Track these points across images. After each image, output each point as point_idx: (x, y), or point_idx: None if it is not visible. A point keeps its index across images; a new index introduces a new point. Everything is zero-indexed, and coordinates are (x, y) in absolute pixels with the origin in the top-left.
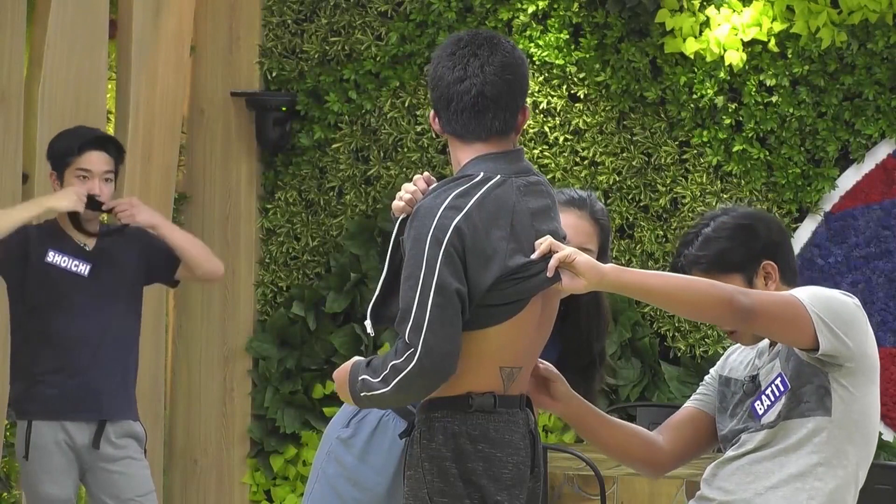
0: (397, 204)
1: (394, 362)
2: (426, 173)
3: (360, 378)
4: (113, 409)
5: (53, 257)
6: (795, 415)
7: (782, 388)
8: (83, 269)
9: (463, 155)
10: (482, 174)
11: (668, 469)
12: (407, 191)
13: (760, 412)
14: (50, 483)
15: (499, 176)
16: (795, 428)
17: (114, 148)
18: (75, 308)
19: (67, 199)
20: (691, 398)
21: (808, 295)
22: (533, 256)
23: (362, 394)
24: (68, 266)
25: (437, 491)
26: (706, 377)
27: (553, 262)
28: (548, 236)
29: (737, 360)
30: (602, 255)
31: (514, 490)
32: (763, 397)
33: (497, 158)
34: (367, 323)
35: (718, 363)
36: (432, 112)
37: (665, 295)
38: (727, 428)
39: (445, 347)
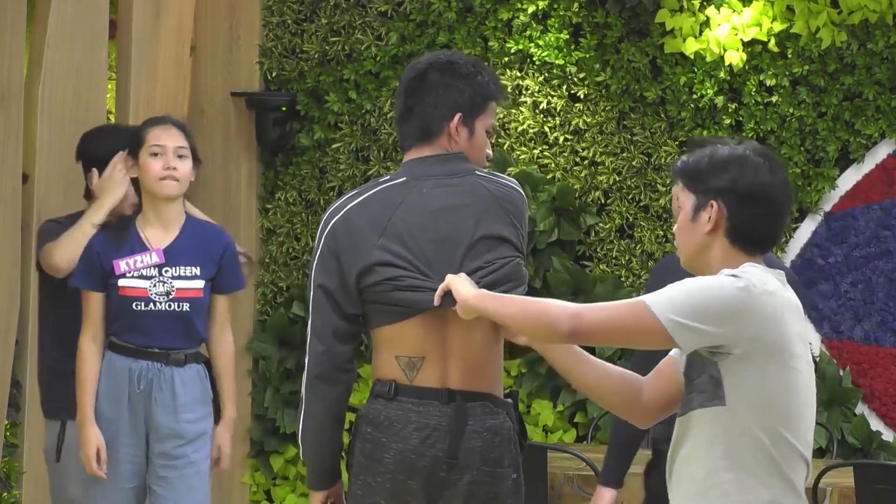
0: None
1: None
2: None
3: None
4: None
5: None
6: (696, 405)
7: (683, 379)
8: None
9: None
10: (389, 176)
11: (655, 419)
12: None
13: None
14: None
15: (403, 178)
16: (699, 419)
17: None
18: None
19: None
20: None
21: (663, 296)
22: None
23: (299, 421)
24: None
25: (348, 464)
26: None
27: (438, 292)
28: (454, 275)
29: None
30: None
31: (398, 475)
32: None
33: (416, 163)
34: None
35: None
36: None
37: (506, 321)
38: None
39: (322, 340)
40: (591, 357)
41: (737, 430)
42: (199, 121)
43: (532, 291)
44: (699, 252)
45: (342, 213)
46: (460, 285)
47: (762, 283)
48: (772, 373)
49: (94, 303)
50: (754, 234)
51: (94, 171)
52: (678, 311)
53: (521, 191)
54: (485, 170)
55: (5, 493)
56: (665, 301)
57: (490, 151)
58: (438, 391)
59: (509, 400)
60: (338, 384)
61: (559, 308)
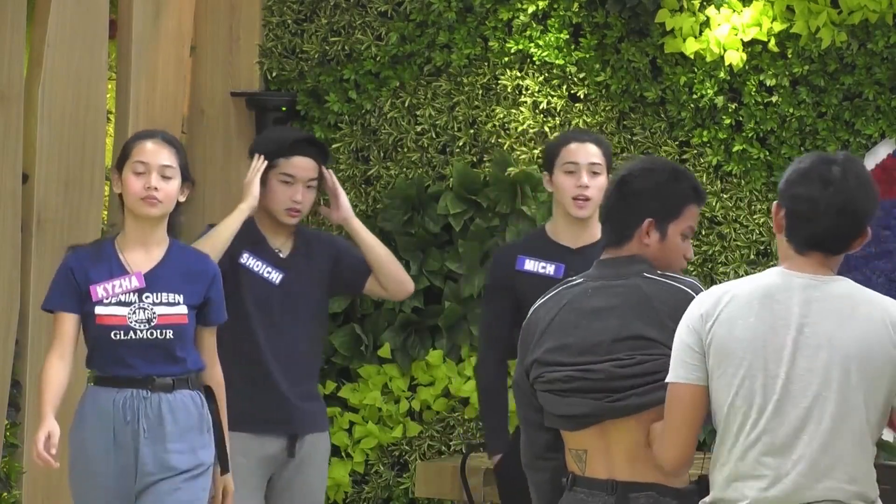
0: None
1: None
2: None
3: None
4: (304, 424)
5: (247, 260)
6: None
7: None
8: (275, 277)
9: None
10: (574, 277)
11: None
12: None
13: None
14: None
15: (581, 279)
16: None
17: (321, 153)
18: (265, 318)
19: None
20: None
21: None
22: None
23: None
24: (261, 272)
25: None
26: None
27: None
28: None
29: None
30: None
31: None
32: None
33: (599, 264)
34: None
35: None
36: None
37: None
38: None
39: (523, 430)
40: None
41: None
42: (199, 121)
43: None
44: None
45: (532, 311)
46: None
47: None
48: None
49: (66, 323)
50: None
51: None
52: (675, 364)
53: (693, 291)
54: (658, 272)
55: (5, 493)
56: (671, 365)
57: (691, 254)
58: (605, 482)
59: (691, 486)
60: (541, 471)
61: (657, 454)
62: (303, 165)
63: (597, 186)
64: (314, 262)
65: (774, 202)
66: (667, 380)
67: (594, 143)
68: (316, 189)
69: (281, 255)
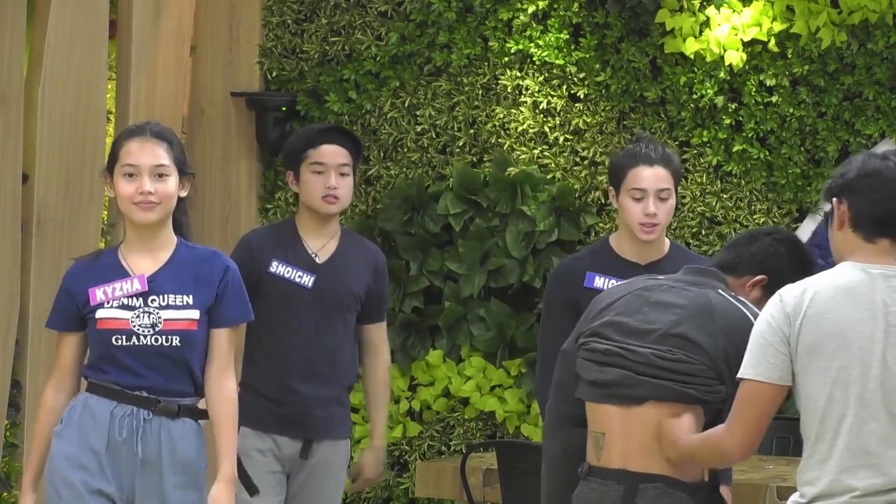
0: None
1: None
2: None
3: None
4: (322, 429)
5: (276, 268)
6: None
7: None
8: (307, 280)
9: None
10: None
11: None
12: None
13: None
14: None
15: (662, 277)
16: None
17: (350, 141)
18: (295, 322)
19: None
20: None
21: (744, 359)
22: None
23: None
24: (291, 277)
25: None
26: None
27: None
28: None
29: None
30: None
31: None
32: None
33: (684, 270)
34: None
35: None
36: None
37: (686, 456)
38: None
39: (553, 393)
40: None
41: None
42: (199, 121)
43: (532, 291)
44: None
45: (606, 289)
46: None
47: None
48: None
49: (66, 347)
50: None
51: (290, 173)
52: (754, 362)
53: (751, 318)
54: (732, 294)
55: (5, 493)
56: (744, 362)
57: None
58: (617, 472)
59: (702, 481)
60: (556, 439)
61: (721, 440)
62: (331, 151)
63: (664, 211)
64: (353, 268)
65: (833, 200)
66: (744, 375)
67: (663, 164)
68: (351, 176)
69: (317, 260)
